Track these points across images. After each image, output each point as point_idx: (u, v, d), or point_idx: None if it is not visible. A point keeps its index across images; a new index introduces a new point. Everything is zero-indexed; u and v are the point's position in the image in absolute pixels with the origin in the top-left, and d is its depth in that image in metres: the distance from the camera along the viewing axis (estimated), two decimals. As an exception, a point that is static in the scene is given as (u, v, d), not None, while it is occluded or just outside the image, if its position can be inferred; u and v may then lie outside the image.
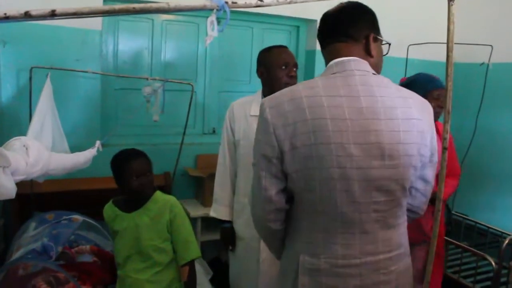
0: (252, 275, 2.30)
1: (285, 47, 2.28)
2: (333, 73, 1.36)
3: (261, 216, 1.44)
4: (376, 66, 1.45)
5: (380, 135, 1.29)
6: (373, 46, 1.42)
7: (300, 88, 1.33)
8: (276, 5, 0.70)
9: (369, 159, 1.29)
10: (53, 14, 0.69)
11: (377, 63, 1.46)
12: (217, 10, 0.68)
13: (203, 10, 0.70)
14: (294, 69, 2.21)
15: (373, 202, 1.33)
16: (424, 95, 2.41)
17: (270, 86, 2.23)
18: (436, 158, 1.47)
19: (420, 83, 2.45)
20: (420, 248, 2.50)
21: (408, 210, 1.52)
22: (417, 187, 1.49)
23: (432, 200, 2.35)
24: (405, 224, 1.48)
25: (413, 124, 1.33)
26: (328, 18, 1.46)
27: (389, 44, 1.54)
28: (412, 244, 2.57)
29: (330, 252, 1.36)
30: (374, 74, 1.38)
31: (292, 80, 2.19)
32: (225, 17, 0.71)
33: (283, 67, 2.17)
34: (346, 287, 1.37)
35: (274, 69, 2.19)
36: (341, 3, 1.47)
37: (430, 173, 1.48)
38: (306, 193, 1.34)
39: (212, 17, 0.67)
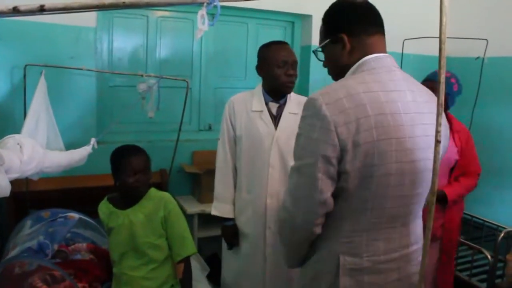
0: (258, 271, 2.29)
1: (285, 43, 2.25)
2: (373, 68, 1.34)
3: (309, 222, 1.34)
4: None
5: (426, 128, 1.32)
6: None
7: (353, 84, 1.28)
8: (267, -2, 0.70)
9: (418, 152, 1.31)
10: (42, 9, 0.68)
11: None
12: (208, 4, 0.67)
13: (194, 5, 0.69)
14: (293, 66, 2.19)
15: (415, 194, 1.35)
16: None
17: (269, 82, 2.23)
18: None
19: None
20: (430, 245, 2.50)
21: None
22: None
23: (438, 199, 2.36)
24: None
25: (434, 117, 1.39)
26: (370, 5, 1.43)
27: None
28: None
29: (372, 249, 1.34)
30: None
31: (290, 78, 2.18)
32: (216, 12, 0.70)
33: (282, 65, 2.16)
34: (386, 282, 1.36)
35: (272, 66, 2.18)
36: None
37: None
38: (359, 191, 1.29)
39: (203, 11, 0.67)
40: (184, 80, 2.98)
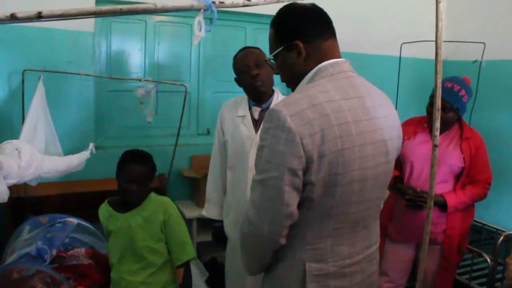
0: (239, 273, 2.30)
1: (245, 48, 2.26)
2: (332, 75, 1.32)
3: (275, 233, 1.32)
4: None
5: (383, 132, 1.33)
6: None
7: (315, 94, 1.26)
8: (263, 4, 0.70)
9: (378, 157, 1.32)
10: (39, 16, 0.68)
11: None
12: (205, 10, 0.67)
13: (191, 10, 0.69)
14: (256, 66, 2.16)
15: (376, 197, 1.39)
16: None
17: (244, 90, 2.27)
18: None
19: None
20: (430, 249, 2.49)
21: None
22: None
23: (439, 205, 2.35)
24: None
25: (394, 118, 1.42)
26: (321, 9, 1.39)
27: None
28: (420, 245, 2.58)
29: (337, 254, 1.35)
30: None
31: (255, 79, 2.16)
32: (213, 17, 0.70)
33: (245, 70, 2.18)
34: (351, 285, 1.38)
35: (239, 75, 2.22)
36: (311, 4, 1.41)
37: None
38: (323, 199, 1.28)
39: (199, 17, 0.67)
40: (182, 85, 2.98)
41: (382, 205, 1.49)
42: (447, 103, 2.33)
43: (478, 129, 2.57)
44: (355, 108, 1.28)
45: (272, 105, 2.24)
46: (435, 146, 0.85)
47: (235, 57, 2.27)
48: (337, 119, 1.23)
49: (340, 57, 1.38)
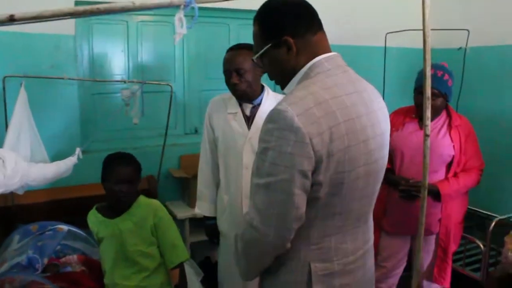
0: (233, 270, 2.29)
1: (232, 49, 2.24)
2: (328, 70, 1.29)
3: (282, 238, 1.26)
4: None
5: (381, 125, 1.33)
6: None
7: (319, 90, 1.22)
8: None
9: (378, 151, 1.31)
10: (11, 19, 0.65)
11: None
12: (185, 6, 0.65)
13: (170, 7, 0.67)
14: (235, 75, 2.15)
15: (376, 191, 1.38)
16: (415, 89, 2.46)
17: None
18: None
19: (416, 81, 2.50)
20: (426, 239, 2.48)
21: None
22: None
23: (433, 194, 2.34)
24: None
25: (385, 112, 1.40)
26: (306, 3, 1.34)
27: None
28: (416, 236, 2.57)
29: (341, 252, 1.33)
30: None
31: (235, 86, 2.16)
32: (193, 14, 0.68)
33: (227, 75, 2.19)
34: (356, 280, 1.37)
35: (224, 76, 2.22)
36: None
37: None
38: (328, 198, 1.25)
39: (180, 14, 0.64)
40: (167, 85, 2.95)
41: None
42: (434, 89, 2.33)
43: (465, 115, 2.57)
44: (356, 103, 1.26)
45: (263, 102, 2.23)
46: (426, 135, 0.84)
47: (225, 53, 2.25)
48: (342, 115, 1.20)
49: (331, 51, 1.34)
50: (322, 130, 1.16)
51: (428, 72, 0.80)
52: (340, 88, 1.25)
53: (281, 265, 1.35)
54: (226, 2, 0.68)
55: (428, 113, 0.83)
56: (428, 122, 0.84)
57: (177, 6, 0.67)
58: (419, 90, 2.43)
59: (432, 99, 2.32)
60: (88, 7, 0.66)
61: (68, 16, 0.65)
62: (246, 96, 2.19)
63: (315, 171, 1.19)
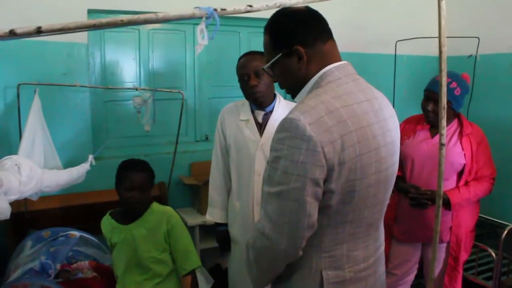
0: (244, 278, 2.29)
1: (246, 55, 2.24)
2: (339, 79, 1.29)
3: (294, 247, 1.26)
4: None
5: (392, 134, 1.34)
6: None
7: (329, 99, 1.23)
8: (265, 9, 0.69)
9: (389, 159, 1.32)
10: (39, 31, 0.67)
11: None
12: (206, 18, 0.66)
13: (193, 19, 0.68)
14: (254, 77, 2.16)
15: (386, 199, 1.38)
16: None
17: (245, 98, 2.27)
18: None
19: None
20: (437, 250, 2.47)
21: None
22: None
23: (443, 203, 2.32)
24: None
25: (395, 120, 1.40)
26: (316, 12, 1.35)
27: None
28: (426, 244, 2.56)
29: (352, 260, 1.33)
30: None
31: (253, 90, 2.16)
32: (214, 24, 0.69)
33: (244, 79, 2.18)
34: (370, 285, 1.38)
35: (240, 82, 2.22)
36: (304, 7, 1.35)
37: None
38: (340, 206, 1.25)
39: (202, 25, 0.66)
40: (179, 92, 2.97)
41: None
42: (436, 94, 2.31)
43: (475, 122, 2.56)
44: (367, 111, 1.27)
45: (275, 109, 2.24)
46: (442, 145, 0.84)
47: (238, 61, 2.25)
48: (354, 124, 1.21)
49: (341, 59, 1.35)
50: (334, 138, 1.17)
51: (444, 82, 0.80)
52: (351, 96, 1.25)
53: (293, 273, 1.35)
54: (245, 12, 0.70)
55: (444, 122, 0.83)
56: (443, 131, 0.84)
57: (199, 18, 0.69)
58: (425, 94, 2.44)
59: (434, 105, 2.34)
60: (111, 19, 0.68)
61: (92, 28, 0.67)
62: (264, 99, 2.21)
63: (327, 179, 1.19)
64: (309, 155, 1.16)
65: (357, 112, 1.23)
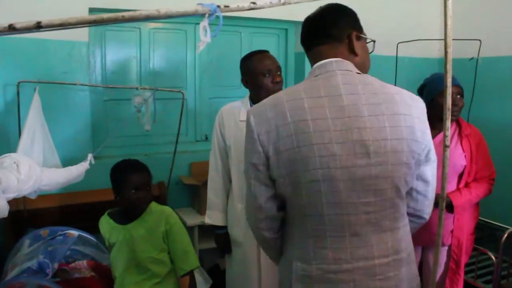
0: (253, 280, 2.28)
1: (265, 52, 2.24)
2: (316, 76, 1.36)
3: (254, 224, 1.46)
4: (362, 64, 1.43)
5: (363, 132, 1.26)
6: (356, 44, 1.40)
7: (282, 94, 1.35)
8: (269, 6, 0.68)
9: (353, 158, 1.26)
10: (38, 26, 0.66)
11: (363, 61, 1.44)
12: (209, 15, 0.65)
13: (195, 16, 0.67)
14: (278, 73, 2.18)
15: (362, 203, 1.30)
16: (438, 95, 2.39)
17: (256, 93, 2.22)
18: (434, 156, 1.40)
19: (433, 84, 2.41)
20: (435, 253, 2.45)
21: (411, 214, 1.47)
22: (418, 189, 1.44)
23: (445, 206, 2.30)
24: (406, 228, 1.43)
25: (399, 119, 1.29)
26: (310, 21, 1.45)
27: (374, 41, 1.52)
28: (426, 248, 2.55)
29: (320, 257, 1.33)
30: (358, 73, 1.37)
31: (277, 85, 2.17)
32: (217, 23, 0.68)
33: (267, 75, 2.15)
34: None
35: (258, 77, 2.17)
36: (321, 6, 1.45)
37: (428, 172, 1.42)
38: (294, 198, 1.33)
39: (205, 22, 0.65)
40: (179, 91, 2.96)
41: (396, 216, 1.37)
42: (458, 88, 2.36)
43: (476, 125, 2.55)
44: (321, 106, 1.28)
45: None
46: (446, 146, 0.83)
47: (249, 58, 2.23)
48: (293, 116, 1.27)
49: (334, 57, 1.37)
50: (271, 128, 1.29)
51: (449, 83, 0.79)
52: (308, 91, 1.31)
53: (280, 259, 1.51)
54: (240, 10, 0.69)
55: (448, 123, 0.82)
56: (448, 132, 0.83)
57: (202, 14, 0.67)
58: (453, 91, 2.39)
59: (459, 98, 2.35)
60: (112, 15, 0.67)
61: (93, 24, 0.66)
62: None
63: (269, 167, 1.33)
64: (250, 143, 1.35)
65: (303, 106, 1.28)
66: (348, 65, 1.36)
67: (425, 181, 1.43)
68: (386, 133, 1.27)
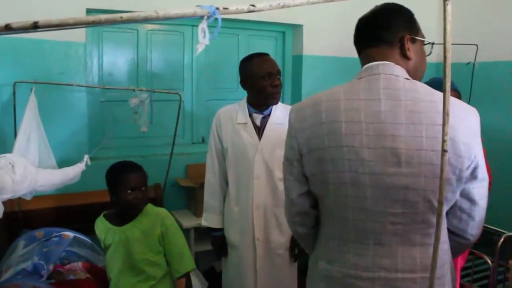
0: (249, 282, 2.28)
1: (266, 55, 2.23)
2: (360, 78, 1.32)
3: (288, 217, 1.50)
4: (415, 69, 1.37)
5: (397, 140, 1.21)
6: (410, 47, 1.34)
7: (323, 94, 1.34)
8: (269, 9, 0.68)
9: (384, 165, 1.22)
10: (35, 26, 0.65)
11: (416, 66, 1.37)
12: (208, 17, 0.65)
13: (194, 18, 0.67)
14: (278, 77, 2.18)
15: (389, 212, 1.25)
16: None
17: (255, 95, 2.22)
18: (482, 174, 1.29)
19: (431, 87, 2.41)
20: None
21: (454, 233, 1.37)
22: (462, 207, 1.33)
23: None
24: (444, 246, 1.34)
25: (439, 130, 1.19)
26: (361, 23, 1.41)
27: (432, 44, 1.44)
28: None
29: (342, 260, 1.32)
30: (407, 78, 1.30)
31: (276, 89, 2.17)
32: (215, 25, 0.68)
33: (267, 78, 2.15)
34: None
35: (257, 79, 2.16)
36: (376, 6, 1.40)
37: (475, 191, 1.30)
38: (323, 198, 1.35)
39: (203, 24, 0.64)
40: (176, 93, 2.95)
41: (428, 232, 1.28)
42: (455, 92, 2.39)
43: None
44: (357, 109, 1.25)
45: (273, 112, 2.25)
46: (444, 151, 0.83)
47: (249, 60, 2.21)
48: (328, 117, 1.27)
49: (383, 60, 1.32)
50: (307, 126, 1.31)
51: (448, 87, 0.79)
52: (347, 93, 1.29)
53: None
54: (238, 13, 0.69)
55: (446, 128, 0.82)
56: (446, 137, 0.83)
57: (200, 16, 0.67)
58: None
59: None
60: (110, 16, 0.66)
61: (91, 25, 0.65)
62: (279, 99, 2.24)
63: (302, 164, 1.34)
64: (288, 138, 1.38)
65: (339, 107, 1.27)
66: (395, 69, 1.30)
67: (471, 200, 1.32)
68: (422, 143, 1.21)
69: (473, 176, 1.28)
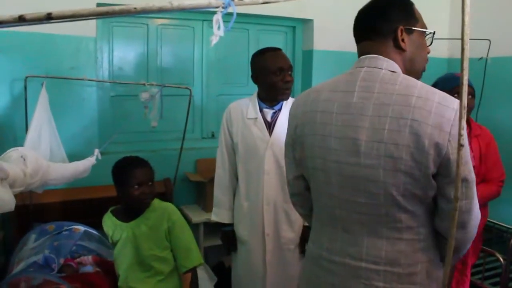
0: (258, 278, 2.27)
1: (278, 49, 2.22)
2: (350, 70, 1.37)
3: (290, 197, 1.63)
4: (412, 60, 1.34)
5: (359, 131, 1.23)
6: (406, 38, 1.30)
7: (318, 84, 1.44)
8: (284, 0, 0.67)
9: (346, 155, 1.27)
10: (49, 18, 0.64)
11: (413, 57, 1.33)
12: (223, 8, 0.64)
13: (206, 10, 0.66)
14: (290, 72, 2.17)
15: (353, 201, 1.28)
16: (449, 92, 2.36)
17: (266, 90, 2.21)
18: (463, 173, 1.18)
19: (444, 82, 2.35)
20: None
21: (439, 233, 1.31)
22: (441, 206, 1.26)
23: None
24: (416, 244, 1.28)
25: (405, 123, 1.17)
26: (358, 16, 1.40)
27: (433, 33, 1.38)
28: None
29: (318, 242, 1.42)
30: (393, 71, 1.27)
31: (287, 84, 2.16)
32: (228, 20, 0.67)
33: (278, 73, 2.14)
34: (326, 281, 1.37)
35: (268, 74, 2.15)
36: None
37: (450, 190, 1.20)
38: (309, 182, 1.45)
39: (218, 15, 0.63)
40: (187, 88, 2.95)
41: (398, 225, 1.26)
42: (470, 88, 2.34)
43: (485, 125, 2.52)
44: (332, 100, 1.32)
45: (283, 108, 2.24)
46: (461, 145, 0.81)
47: (262, 54, 2.20)
48: (309, 106, 1.38)
49: (376, 53, 1.31)
50: (297, 115, 1.43)
51: (465, 81, 0.77)
52: (332, 85, 1.36)
53: None
54: (248, 6, 0.67)
55: (463, 122, 0.80)
56: (463, 131, 0.81)
57: (215, 8, 0.66)
58: (468, 91, 2.37)
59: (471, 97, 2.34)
60: (124, 7, 0.65)
61: (104, 16, 0.65)
62: (289, 95, 2.23)
63: (294, 148, 1.46)
64: (288, 125, 1.50)
65: (320, 98, 1.36)
66: (380, 61, 1.29)
67: (448, 200, 1.22)
68: (383, 135, 1.19)
69: (446, 174, 1.20)
